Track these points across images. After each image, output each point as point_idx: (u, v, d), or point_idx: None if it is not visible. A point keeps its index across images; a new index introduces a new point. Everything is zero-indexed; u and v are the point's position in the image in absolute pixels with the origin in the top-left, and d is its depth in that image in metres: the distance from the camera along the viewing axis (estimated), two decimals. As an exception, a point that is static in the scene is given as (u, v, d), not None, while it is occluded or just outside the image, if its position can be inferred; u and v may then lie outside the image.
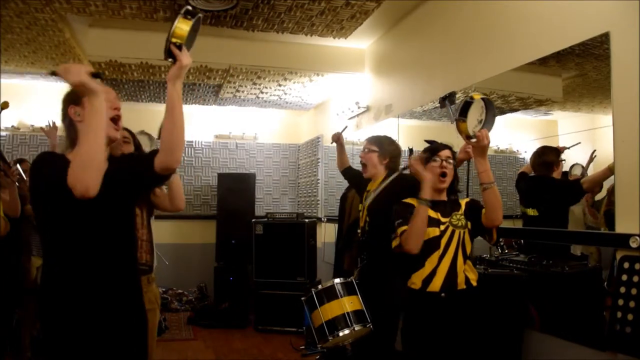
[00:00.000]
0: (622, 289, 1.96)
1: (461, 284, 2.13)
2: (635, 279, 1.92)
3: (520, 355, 2.58)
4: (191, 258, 6.47)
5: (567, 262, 2.59)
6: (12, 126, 5.91)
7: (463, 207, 2.29)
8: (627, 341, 1.92)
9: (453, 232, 2.17)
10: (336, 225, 4.43)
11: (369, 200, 2.91)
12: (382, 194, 2.86)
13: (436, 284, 2.14)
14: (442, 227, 2.19)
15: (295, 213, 5.83)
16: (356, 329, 2.54)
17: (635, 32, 1.99)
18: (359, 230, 3.01)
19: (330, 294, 2.65)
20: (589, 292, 2.48)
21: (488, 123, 2.13)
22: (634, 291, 1.92)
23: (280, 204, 6.92)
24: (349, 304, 2.61)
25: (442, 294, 2.12)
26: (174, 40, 1.62)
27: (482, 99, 2.16)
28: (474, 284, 2.17)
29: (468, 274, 2.16)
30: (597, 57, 2.28)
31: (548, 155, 2.71)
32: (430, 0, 3.70)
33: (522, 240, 3.01)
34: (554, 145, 2.77)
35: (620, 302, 1.96)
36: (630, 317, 1.92)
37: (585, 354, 2.22)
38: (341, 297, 2.62)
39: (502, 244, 3.02)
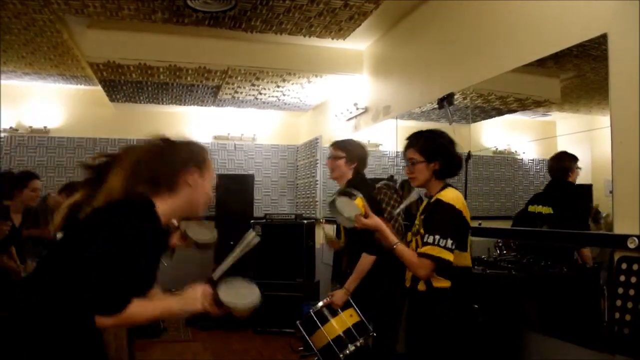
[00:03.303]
0: (620, 290, 1.96)
1: (421, 286, 2.09)
2: (633, 279, 1.92)
3: (519, 356, 2.58)
4: (190, 259, 6.46)
5: (565, 263, 2.59)
6: (11, 127, 5.90)
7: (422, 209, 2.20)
8: (625, 342, 1.92)
9: (411, 240, 2.16)
10: (335, 226, 4.43)
11: None
12: None
13: (407, 282, 2.18)
14: (412, 230, 2.19)
15: (294, 214, 5.83)
16: (362, 342, 2.54)
17: (632, 34, 2.00)
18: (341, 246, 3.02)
19: (329, 312, 2.64)
20: (587, 293, 2.48)
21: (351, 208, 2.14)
22: (631, 292, 1.92)
23: (278, 205, 6.92)
24: (348, 317, 2.61)
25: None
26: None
27: (341, 192, 2.23)
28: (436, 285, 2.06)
29: (432, 279, 2.06)
30: (595, 59, 2.28)
31: (565, 161, 2.69)
32: (428, 1, 3.71)
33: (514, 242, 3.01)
34: (552, 146, 2.78)
35: (618, 303, 1.96)
36: (628, 317, 1.92)
37: (584, 355, 2.22)
38: (340, 312, 2.62)
39: (500, 244, 3.03)
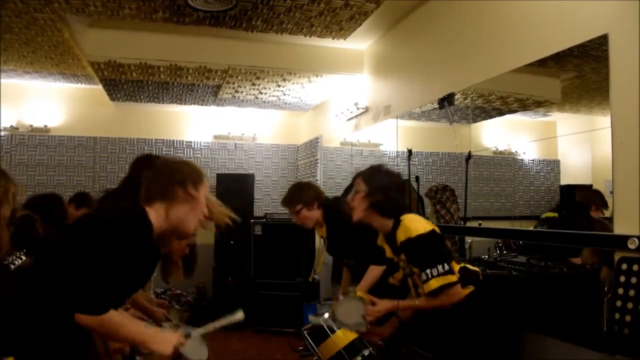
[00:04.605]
0: (620, 291, 1.96)
1: None
2: (633, 280, 1.92)
3: (519, 356, 2.58)
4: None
5: (565, 263, 2.59)
6: (11, 126, 5.90)
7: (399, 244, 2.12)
8: (625, 342, 1.92)
9: (406, 277, 2.15)
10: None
11: (325, 246, 2.94)
12: (333, 236, 2.85)
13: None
14: (403, 270, 2.16)
15: (294, 214, 5.82)
16: (372, 350, 2.52)
17: (633, 34, 2.00)
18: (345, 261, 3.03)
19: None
20: (588, 294, 2.48)
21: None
22: (632, 292, 1.92)
23: (279, 204, 6.91)
24: None
25: None
26: None
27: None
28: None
29: None
30: (596, 59, 2.28)
31: (596, 196, 2.69)
32: (429, 1, 3.71)
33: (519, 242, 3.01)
34: (552, 147, 2.78)
35: (618, 303, 1.96)
36: (628, 318, 1.92)
37: (584, 355, 2.22)
38: None
39: (500, 245, 3.03)
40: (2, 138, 5.86)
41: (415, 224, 2.04)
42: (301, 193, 2.93)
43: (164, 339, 1.66)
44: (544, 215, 2.81)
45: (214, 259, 5.98)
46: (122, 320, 1.54)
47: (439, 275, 1.94)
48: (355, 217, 2.15)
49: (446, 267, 1.96)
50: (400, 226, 2.05)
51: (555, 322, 2.50)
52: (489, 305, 2.19)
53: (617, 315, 1.95)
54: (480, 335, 2.12)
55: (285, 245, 5.40)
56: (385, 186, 2.11)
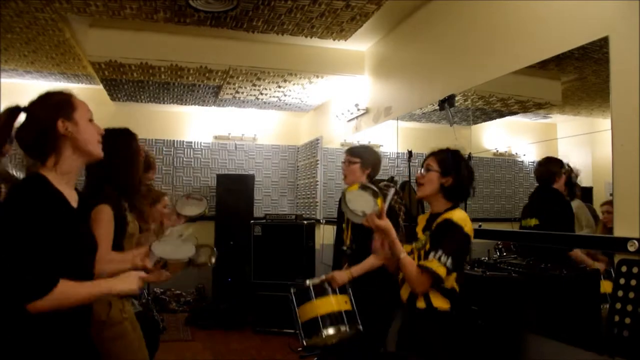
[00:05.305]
0: (620, 293, 1.96)
1: (420, 304, 2.05)
2: (633, 282, 1.93)
3: (519, 358, 2.58)
4: (189, 259, 6.46)
5: (565, 265, 2.59)
6: (11, 125, 5.91)
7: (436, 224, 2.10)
8: (624, 345, 1.92)
9: (412, 252, 2.13)
10: (335, 227, 4.43)
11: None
12: None
13: (404, 298, 2.15)
14: (413, 245, 2.16)
15: (294, 214, 5.83)
16: (348, 330, 2.51)
17: (634, 37, 2.00)
18: (345, 248, 3.02)
19: (325, 289, 2.62)
20: (587, 295, 2.48)
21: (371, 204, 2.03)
22: (631, 295, 1.92)
23: (279, 205, 6.92)
24: (343, 302, 2.59)
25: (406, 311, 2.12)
26: None
27: (362, 186, 2.10)
28: (436, 305, 2.03)
29: (432, 297, 2.03)
30: (597, 61, 2.28)
31: (550, 166, 2.69)
32: (430, 2, 3.71)
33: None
34: (552, 149, 2.78)
35: (618, 305, 1.96)
36: (627, 320, 1.92)
37: (583, 357, 2.22)
38: (337, 293, 2.61)
39: (500, 247, 3.03)
40: (2, 137, 5.86)
41: (465, 218, 2.05)
42: (367, 154, 3.01)
43: (123, 279, 1.56)
44: (524, 223, 2.79)
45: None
46: (71, 289, 1.40)
47: (440, 261, 1.93)
48: (422, 194, 2.15)
49: (449, 264, 1.94)
50: (452, 211, 2.07)
51: (555, 323, 2.50)
52: (489, 307, 2.17)
53: (616, 318, 1.95)
54: (480, 337, 2.12)
55: (285, 246, 5.40)
56: (458, 173, 2.12)
